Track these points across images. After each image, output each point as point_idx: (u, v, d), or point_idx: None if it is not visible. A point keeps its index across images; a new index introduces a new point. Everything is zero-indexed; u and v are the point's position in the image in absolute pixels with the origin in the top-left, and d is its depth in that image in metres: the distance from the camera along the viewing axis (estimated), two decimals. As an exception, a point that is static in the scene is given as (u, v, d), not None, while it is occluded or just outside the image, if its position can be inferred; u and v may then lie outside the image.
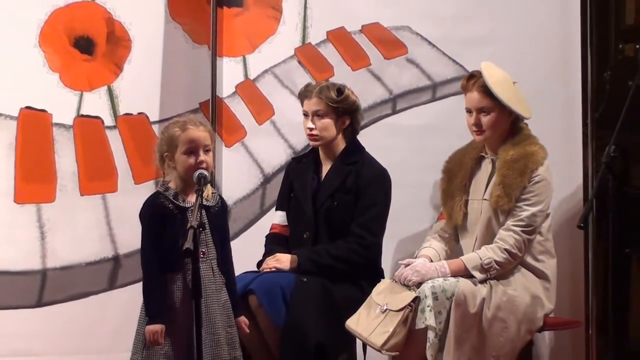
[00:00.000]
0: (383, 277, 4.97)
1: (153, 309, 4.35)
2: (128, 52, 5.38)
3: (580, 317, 5.25)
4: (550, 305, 4.87)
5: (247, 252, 4.92)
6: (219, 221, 4.48)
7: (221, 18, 5.37)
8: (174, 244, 4.30)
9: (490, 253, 4.78)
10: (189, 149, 4.40)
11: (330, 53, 5.44)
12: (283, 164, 5.36)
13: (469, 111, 4.91)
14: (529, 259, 4.86)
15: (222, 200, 4.54)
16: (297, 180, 5.09)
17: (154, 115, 5.41)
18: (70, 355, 5.32)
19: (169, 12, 5.41)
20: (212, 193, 4.49)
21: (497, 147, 4.92)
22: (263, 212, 5.42)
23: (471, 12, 5.40)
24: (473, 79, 4.90)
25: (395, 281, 4.79)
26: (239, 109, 5.44)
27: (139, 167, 5.38)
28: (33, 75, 5.28)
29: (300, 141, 5.36)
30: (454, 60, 5.44)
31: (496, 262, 4.77)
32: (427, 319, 4.61)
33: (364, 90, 5.27)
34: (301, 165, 5.12)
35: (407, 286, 4.73)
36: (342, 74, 5.37)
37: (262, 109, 5.44)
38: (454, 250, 5.01)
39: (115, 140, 5.38)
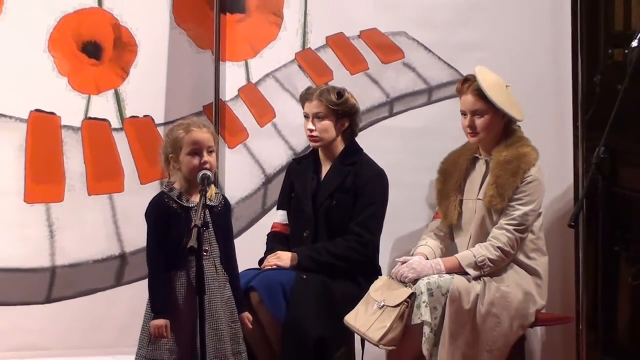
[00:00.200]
0: (380, 274, 4.97)
1: (158, 304, 4.36)
2: (134, 56, 5.37)
3: (571, 313, 5.25)
4: (542, 302, 4.87)
5: (249, 250, 4.91)
6: (223, 220, 4.48)
7: (224, 24, 5.37)
8: (178, 242, 4.32)
9: (484, 251, 4.79)
10: (193, 150, 4.40)
11: (329, 57, 5.44)
12: (284, 165, 5.36)
13: (463, 114, 4.92)
14: (522, 257, 4.86)
15: (225, 200, 4.54)
16: (298, 180, 5.09)
17: (159, 118, 5.41)
18: (78, 349, 5.31)
19: (174, 18, 5.40)
20: (216, 193, 4.49)
21: (490, 148, 4.92)
22: (264, 211, 5.42)
23: (465, 19, 5.39)
24: (467, 83, 4.91)
25: (392, 278, 4.80)
26: (242, 112, 5.43)
27: (144, 168, 5.37)
28: (42, 79, 5.27)
29: (301, 142, 5.36)
30: (449, 65, 5.44)
31: (489, 259, 4.77)
32: (423, 314, 4.61)
33: (362, 93, 5.26)
34: (301, 166, 5.13)
35: (404, 283, 4.74)
36: (341, 78, 5.37)
37: (264, 112, 5.44)
38: (449, 248, 5.02)
39: (121, 142, 5.37)
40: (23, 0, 5.22)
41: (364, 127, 5.28)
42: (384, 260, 5.13)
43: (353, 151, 5.05)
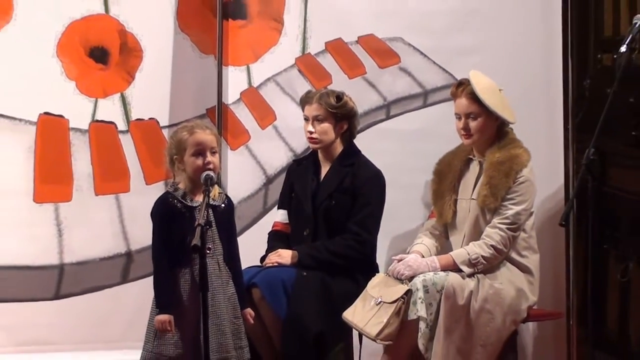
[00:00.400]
0: (378, 272, 4.97)
1: (163, 300, 4.36)
2: (140, 61, 5.37)
3: (562, 309, 5.25)
4: (534, 298, 4.88)
5: (250, 248, 4.91)
6: (226, 219, 4.48)
7: (227, 30, 5.37)
8: (182, 240, 4.31)
9: (478, 249, 4.79)
10: (197, 151, 4.41)
11: (328, 62, 5.43)
12: (284, 166, 5.36)
13: (457, 116, 4.93)
14: (514, 255, 4.86)
15: (228, 200, 4.54)
16: (298, 181, 5.10)
17: (163, 121, 5.40)
18: (85, 344, 5.31)
19: (178, 24, 5.39)
20: (219, 193, 4.49)
21: (484, 150, 4.93)
22: (266, 210, 5.42)
23: (460, 25, 5.38)
24: (462, 87, 4.91)
25: (389, 275, 4.80)
26: (243, 115, 5.43)
27: (150, 169, 5.37)
28: (51, 83, 5.27)
29: (301, 144, 5.36)
30: (443, 69, 5.43)
31: (483, 257, 4.78)
32: (419, 310, 4.62)
33: (359, 97, 5.25)
34: (301, 167, 5.13)
35: (400, 280, 4.74)
36: (340, 82, 5.36)
37: (265, 115, 5.44)
38: (444, 246, 5.02)
39: (127, 144, 5.37)
40: (32, 7, 5.22)
41: (362, 130, 5.28)
42: (381, 258, 5.13)
43: (351, 153, 5.05)
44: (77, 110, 5.32)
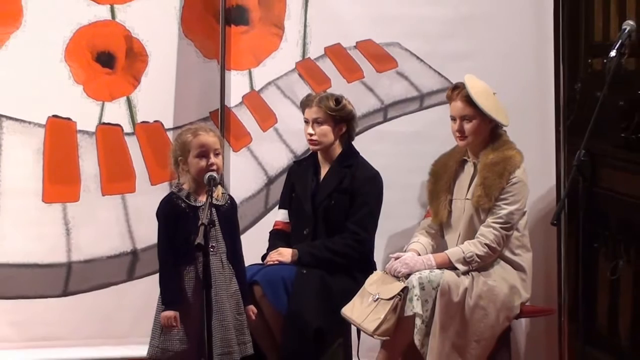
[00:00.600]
0: (375, 269, 4.97)
1: (168, 297, 4.37)
2: (145, 66, 5.37)
3: (554, 305, 5.23)
4: (527, 295, 4.88)
5: (252, 246, 4.90)
6: (229, 218, 4.49)
7: (229, 35, 5.36)
8: (186, 239, 4.32)
9: (472, 247, 4.80)
10: (201, 152, 4.42)
11: (327, 67, 5.42)
12: (285, 167, 5.36)
13: (453, 119, 4.93)
14: (507, 253, 4.86)
15: (231, 200, 4.55)
16: (298, 181, 5.10)
17: (168, 123, 5.40)
18: (93, 340, 5.32)
19: (182, 30, 5.39)
20: (223, 193, 4.50)
21: (478, 151, 4.93)
22: (267, 210, 5.41)
23: (455, 30, 5.36)
24: (457, 90, 4.91)
25: (386, 273, 4.80)
26: (245, 118, 5.42)
27: (155, 170, 5.36)
28: (59, 87, 5.27)
29: (301, 146, 5.35)
30: (439, 73, 5.41)
31: (477, 255, 4.78)
32: (415, 307, 4.62)
33: (358, 100, 5.24)
34: (301, 168, 5.14)
35: (397, 277, 4.74)
36: (339, 86, 5.35)
37: (266, 117, 5.43)
38: (439, 245, 5.02)
39: (133, 146, 5.37)
40: (41, 14, 5.22)
41: (360, 132, 5.27)
42: (378, 256, 5.13)
43: (350, 154, 5.06)
44: (85, 113, 5.33)
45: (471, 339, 4.72)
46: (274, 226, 5.16)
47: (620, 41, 4.52)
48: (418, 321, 4.63)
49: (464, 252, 4.78)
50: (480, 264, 4.79)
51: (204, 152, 4.41)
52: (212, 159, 4.41)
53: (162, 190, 5.17)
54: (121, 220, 5.37)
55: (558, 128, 5.31)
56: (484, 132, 4.89)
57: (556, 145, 5.34)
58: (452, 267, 4.77)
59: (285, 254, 4.94)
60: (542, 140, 5.36)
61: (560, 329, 5.17)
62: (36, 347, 5.27)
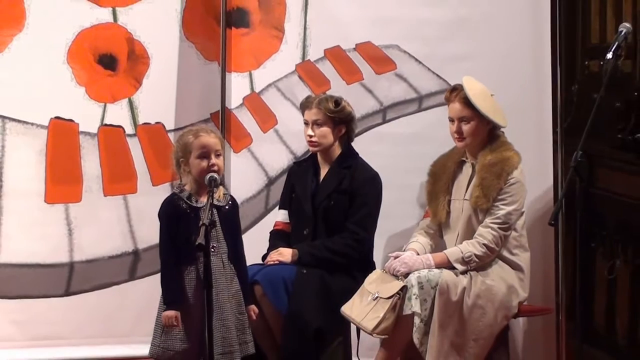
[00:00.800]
0: (374, 269, 4.97)
1: (169, 297, 4.37)
2: (147, 68, 5.37)
3: (551, 305, 5.22)
4: (525, 294, 4.88)
5: (253, 246, 4.89)
6: (230, 219, 4.49)
7: (230, 37, 5.36)
8: (188, 239, 4.32)
9: (471, 247, 4.80)
10: (202, 153, 4.42)
11: (327, 69, 5.42)
12: (285, 168, 5.36)
13: (451, 120, 4.93)
14: (505, 253, 4.86)
15: (233, 200, 4.55)
16: (298, 182, 5.10)
17: (169, 125, 5.40)
18: (95, 339, 5.32)
19: (183, 32, 5.39)
20: (224, 194, 4.50)
21: (476, 152, 4.93)
22: (267, 210, 5.42)
23: (453, 33, 5.35)
24: (455, 92, 4.92)
25: (386, 272, 4.80)
26: (246, 119, 5.42)
27: (156, 171, 5.37)
28: (62, 89, 5.28)
29: (301, 147, 5.36)
30: (438, 75, 5.41)
31: (476, 255, 4.78)
32: (414, 305, 4.62)
33: (357, 102, 5.23)
34: (301, 169, 5.14)
35: (396, 276, 4.74)
36: (338, 88, 5.35)
37: (267, 119, 5.44)
38: (438, 244, 5.01)
39: (135, 147, 5.37)
40: (44, 17, 5.23)
41: (360, 133, 5.26)
42: (377, 255, 5.13)
43: (349, 155, 5.06)
44: (87, 115, 5.33)
45: (469, 338, 4.72)
46: (274, 226, 5.16)
47: (616, 43, 4.53)
48: (417, 320, 4.63)
49: (462, 252, 4.78)
50: (478, 264, 4.79)
51: (205, 153, 4.42)
52: (214, 160, 4.41)
53: (164, 191, 5.19)
54: (123, 220, 5.38)
55: (555, 129, 5.30)
56: (482, 134, 4.89)
57: (553, 146, 5.33)
58: (450, 267, 4.78)
59: (285, 254, 4.94)
60: (540, 141, 5.36)
61: (558, 328, 5.17)
62: (39, 346, 5.27)
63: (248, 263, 4.69)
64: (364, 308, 4.68)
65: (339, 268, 4.89)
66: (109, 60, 5.34)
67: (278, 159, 5.43)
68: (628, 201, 5.07)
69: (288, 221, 5.12)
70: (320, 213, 4.99)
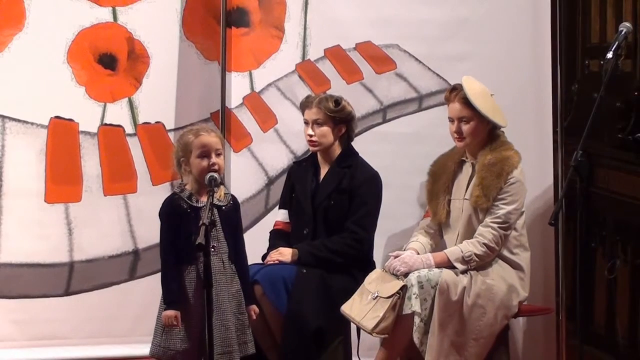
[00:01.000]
0: (374, 268, 4.97)
1: (170, 296, 4.37)
2: (146, 67, 5.37)
3: (551, 304, 5.23)
4: (525, 294, 4.88)
5: (253, 246, 4.87)
6: (231, 219, 4.49)
7: (230, 37, 5.36)
8: (188, 239, 4.32)
9: (471, 247, 4.80)
10: (202, 152, 4.42)
11: (327, 68, 5.43)
12: (285, 168, 5.36)
13: (451, 120, 4.93)
14: (506, 252, 4.86)
15: (234, 200, 4.55)
16: (298, 182, 5.10)
17: (169, 124, 5.40)
18: (95, 339, 5.33)
19: (183, 32, 5.39)
20: (225, 194, 4.50)
21: (476, 152, 4.93)
22: (267, 210, 5.42)
23: (453, 33, 5.36)
24: (455, 91, 4.92)
25: (385, 271, 4.80)
26: (246, 119, 5.43)
27: (156, 171, 5.37)
28: (62, 88, 5.28)
29: (301, 147, 5.36)
30: (438, 75, 5.41)
31: (476, 255, 4.78)
32: (414, 305, 4.63)
33: (357, 101, 5.23)
34: (301, 169, 5.14)
35: (396, 276, 4.74)
36: (338, 87, 5.35)
37: (267, 119, 5.44)
38: (438, 244, 5.02)
39: (135, 147, 5.38)
40: (44, 16, 5.23)
41: (360, 133, 5.27)
42: (377, 255, 5.12)
43: (349, 155, 5.06)
44: (87, 114, 5.33)
45: (469, 338, 4.72)
46: (274, 226, 5.16)
47: (616, 43, 4.53)
48: (417, 319, 4.64)
49: (462, 252, 4.78)
50: (478, 263, 4.80)
51: (205, 152, 4.41)
52: (214, 159, 4.41)
53: (164, 191, 5.19)
54: (123, 220, 5.38)
55: (555, 129, 5.31)
56: (481, 133, 4.89)
57: (553, 146, 5.34)
58: (450, 266, 4.77)
59: (285, 254, 4.94)
60: (540, 140, 5.36)
61: (558, 327, 5.17)
62: (39, 345, 5.27)
63: (248, 263, 4.68)
64: (364, 307, 4.68)
65: (339, 268, 4.89)
66: (109, 60, 5.34)
67: (278, 159, 5.44)
68: (628, 201, 5.07)
69: (288, 221, 5.11)
70: (320, 213, 4.99)
